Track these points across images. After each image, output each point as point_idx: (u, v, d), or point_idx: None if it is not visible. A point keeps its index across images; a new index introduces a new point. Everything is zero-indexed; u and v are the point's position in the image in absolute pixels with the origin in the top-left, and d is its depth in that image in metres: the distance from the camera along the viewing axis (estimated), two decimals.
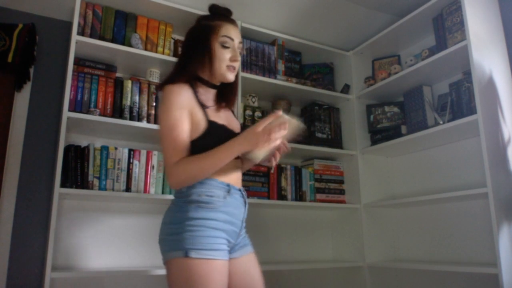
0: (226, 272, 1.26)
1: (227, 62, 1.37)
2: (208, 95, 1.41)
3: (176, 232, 1.26)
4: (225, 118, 1.41)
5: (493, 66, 1.97)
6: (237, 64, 1.40)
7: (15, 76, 2.11)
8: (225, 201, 1.31)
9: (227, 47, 1.38)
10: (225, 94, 1.46)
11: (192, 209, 1.27)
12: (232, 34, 1.39)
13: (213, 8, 1.47)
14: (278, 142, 1.24)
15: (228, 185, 1.33)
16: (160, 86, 1.37)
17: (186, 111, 1.30)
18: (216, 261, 1.23)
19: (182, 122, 1.28)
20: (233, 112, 1.54)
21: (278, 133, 1.20)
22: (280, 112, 1.22)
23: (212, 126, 1.31)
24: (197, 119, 1.31)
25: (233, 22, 1.44)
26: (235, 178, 1.38)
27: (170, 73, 1.40)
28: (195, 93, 1.35)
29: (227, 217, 1.30)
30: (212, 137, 1.29)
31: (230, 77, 1.40)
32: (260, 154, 1.24)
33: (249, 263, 1.40)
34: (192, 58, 1.39)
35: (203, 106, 1.33)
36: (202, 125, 1.30)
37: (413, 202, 2.24)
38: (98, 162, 1.99)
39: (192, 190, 1.29)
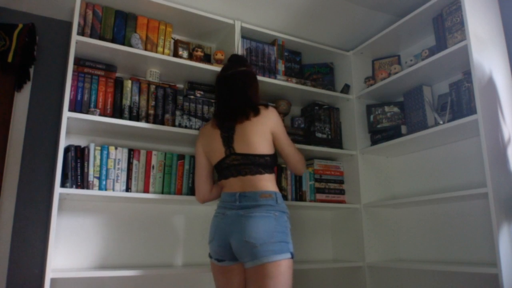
0: None
1: None
2: None
3: (288, 237, 1.63)
4: None
5: (493, 66, 1.97)
6: None
7: (15, 76, 2.11)
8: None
9: None
10: None
11: (288, 220, 1.69)
12: None
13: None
14: None
15: None
16: (266, 106, 1.83)
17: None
18: None
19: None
20: None
21: None
22: None
23: None
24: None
25: None
26: None
27: (258, 98, 1.90)
28: None
29: None
30: None
31: None
32: None
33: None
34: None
35: None
36: None
37: (413, 202, 2.24)
38: (98, 162, 1.99)
39: (283, 205, 1.69)
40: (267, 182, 1.67)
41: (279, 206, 1.65)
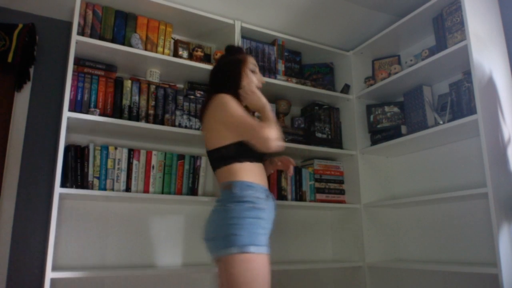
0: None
1: (257, 84, 1.75)
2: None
3: (236, 229, 1.42)
4: None
5: (493, 66, 1.97)
6: (261, 84, 1.78)
7: (15, 76, 2.11)
8: (267, 204, 1.55)
9: (254, 72, 1.76)
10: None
11: (247, 210, 1.47)
12: (255, 63, 1.79)
13: (232, 48, 1.86)
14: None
15: (265, 189, 1.58)
16: (211, 93, 1.67)
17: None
18: (266, 256, 1.45)
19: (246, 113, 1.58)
20: None
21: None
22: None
23: None
24: None
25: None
26: (266, 181, 1.63)
27: (216, 85, 1.72)
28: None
29: (269, 217, 1.56)
30: None
31: (259, 94, 1.73)
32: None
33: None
34: (231, 81, 1.71)
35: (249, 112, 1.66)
36: None
37: (413, 202, 2.24)
38: (98, 162, 1.99)
39: (244, 193, 1.50)
40: (225, 173, 1.56)
41: (235, 196, 1.48)
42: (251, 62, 1.76)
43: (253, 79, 1.72)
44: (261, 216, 1.49)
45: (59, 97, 2.20)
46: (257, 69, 1.77)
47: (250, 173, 1.54)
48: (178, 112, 2.20)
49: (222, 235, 1.43)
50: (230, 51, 1.82)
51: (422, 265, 2.15)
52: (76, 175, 1.94)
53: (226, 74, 1.73)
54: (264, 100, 1.66)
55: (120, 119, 2.01)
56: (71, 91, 1.93)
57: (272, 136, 1.48)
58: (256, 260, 1.40)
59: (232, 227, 1.42)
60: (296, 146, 2.42)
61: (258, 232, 1.45)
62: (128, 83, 2.11)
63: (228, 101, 1.57)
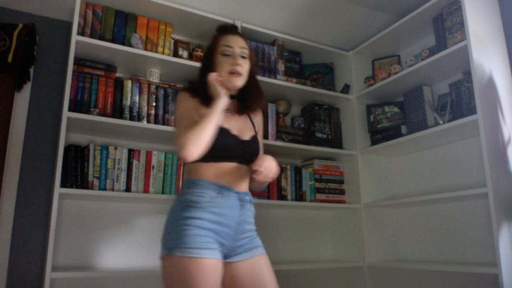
0: (215, 271, 1.28)
1: (228, 68, 1.46)
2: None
3: (169, 231, 1.35)
4: (236, 124, 1.49)
5: (493, 66, 1.97)
6: (240, 69, 1.47)
7: (15, 76, 2.11)
8: (214, 202, 1.35)
9: (227, 55, 1.48)
10: (245, 102, 1.55)
11: (183, 209, 1.34)
12: (230, 42, 1.50)
13: (218, 27, 1.61)
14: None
15: (220, 186, 1.38)
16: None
17: (193, 111, 1.43)
18: (201, 260, 1.25)
19: (188, 114, 1.42)
20: (251, 119, 1.59)
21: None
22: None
23: (221, 130, 1.40)
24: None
25: (233, 32, 1.55)
26: (233, 180, 1.41)
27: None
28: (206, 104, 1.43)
29: (215, 217, 1.34)
30: (218, 140, 1.37)
31: (235, 83, 1.48)
32: None
33: (256, 266, 1.40)
34: (201, 73, 1.55)
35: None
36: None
37: (413, 202, 2.24)
38: (98, 162, 1.99)
39: (186, 190, 1.39)
40: (186, 174, 1.54)
41: (178, 195, 1.42)
42: (223, 44, 1.49)
43: (222, 65, 1.47)
44: (199, 216, 1.31)
45: (59, 97, 2.20)
46: (232, 50, 1.48)
47: (203, 171, 1.39)
48: None
49: (162, 236, 1.37)
50: (216, 31, 1.61)
51: (422, 265, 2.15)
52: (76, 175, 1.94)
53: (202, 65, 1.57)
54: (217, 93, 1.40)
55: (120, 119, 2.01)
56: (71, 91, 1.93)
57: (180, 145, 1.28)
58: (179, 263, 1.25)
59: (165, 228, 1.37)
60: (296, 146, 2.42)
61: (190, 234, 1.28)
62: (128, 83, 2.11)
63: (177, 102, 1.49)
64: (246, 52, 1.51)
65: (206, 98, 1.44)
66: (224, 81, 1.46)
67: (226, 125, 1.44)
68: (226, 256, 1.38)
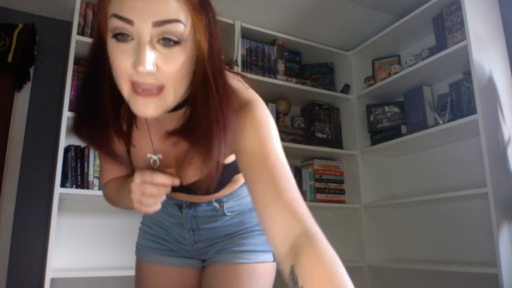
0: (156, 276, 1.14)
1: (125, 77, 0.65)
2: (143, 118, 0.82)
3: None
4: (173, 152, 0.82)
5: (493, 66, 1.97)
6: (150, 79, 0.64)
7: (15, 76, 2.11)
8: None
9: (122, 40, 0.64)
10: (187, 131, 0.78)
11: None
12: (130, 10, 0.62)
13: None
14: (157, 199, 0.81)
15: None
16: None
17: None
18: (141, 262, 1.21)
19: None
20: None
21: (149, 193, 0.79)
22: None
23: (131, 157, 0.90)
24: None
25: None
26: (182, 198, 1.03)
27: None
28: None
29: (154, 221, 1.15)
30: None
31: (139, 112, 0.66)
32: None
33: (213, 275, 1.02)
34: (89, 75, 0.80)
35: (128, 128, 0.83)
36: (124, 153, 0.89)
37: (413, 202, 2.24)
38: (98, 162, 1.99)
39: None
40: None
41: None
42: (113, 12, 0.63)
43: (116, 67, 0.65)
44: (144, 222, 1.26)
45: (59, 97, 2.20)
46: (133, 29, 0.62)
47: None
48: None
49: None
50: None
51: (422, 265, 2.15)
52: (76, 175, 1.94)
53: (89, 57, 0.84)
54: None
55: None
56: (71, 91, 1.93)
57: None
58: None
59: None
60: (296, 146, 2.41)
61: (139, 237, 1.25)
62: None
63: None
64: (174, 29, 0.63)
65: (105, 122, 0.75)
66: (126, 100, 0.68)
67: (142, 150, 0.86)
68: (195, 258, 1.11)
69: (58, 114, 2.11)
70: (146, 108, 0.65)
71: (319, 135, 2.56)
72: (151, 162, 0.85)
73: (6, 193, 2.01)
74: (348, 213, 2.60)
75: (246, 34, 2.43)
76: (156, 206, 0.80)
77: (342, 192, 2.62)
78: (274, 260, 1.01)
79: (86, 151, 1.99)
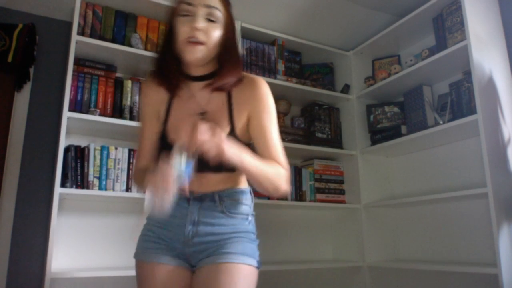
0: (160, 276, 1.16)
1: (185, 35, 1.07)
2: (193, 89, 1.17)
3: None
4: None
5: (493, 66, 1.97)
6: (200, 34, 1.06)
7: (15, 76, 2.11)
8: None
9: (186, 15, 1.08)
10: (213, 80, 1.16)
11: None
12: (193, 1, 1.09)
13: None
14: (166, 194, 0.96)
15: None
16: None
17: (149, 113, 1.21)
18: (142, 262, 1.24)
19: (143, 130, 1.22)
20: (230, 102, 1.18)
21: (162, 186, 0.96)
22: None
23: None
24: (161, 115, 1.19)
25: None
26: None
27: None
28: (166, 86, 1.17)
29: (158, 220, 1.20)
30: (162, 142, 1.16)
31: (193, 55, 1.08)
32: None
33: (207, 275, 1.09)
34: (161, 49, 1.22)
35: (171, 99, 1.18)
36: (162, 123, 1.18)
37: (413, 202, 2.24)
38: (98, 162, 1.99)
39: None
40: None
41: None
42: (182, 1, 1.11)
43: (179, 30, 1.09)
44: (147, 221, 1.29)
45: (59, 97, 2.20)
46: (193, 9, 1.08)
47: None
48: None
49: None
50: None
51: (422, 265, 2.15)
52: (76, 175, 1.94)
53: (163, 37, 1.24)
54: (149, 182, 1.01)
55: (120, 119, 2.01)
56: (71, 91, 1.93)
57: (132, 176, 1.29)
58: (136, 266, 1.27)
59: None
60: (296, 146, 2.41)
61: (140, 237, 1.29)
62: (128, 83, 2.11)
63: (140, 95, 1.32)
64: (215, 13, 1.09)
65: (172, 79, 1.16)
66: (180, 52, 1.10)
67: (184, 115, 1.14)
68: (187, 262, 1.18)
69: (58, 114, 2.11)
70: (194, 53, 1.08)
71: (319, 135, 2.56)
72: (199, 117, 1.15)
73: (6, 193, 2.01)
74: (348, 213, 2.60)
75: (246, 34, 2.43)
76: (167, 199, 0.96)
77: (342, 192, 2.62)
78: (259, 267, 1.14)
79: (86, 151, 1.99)
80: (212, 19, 1.09)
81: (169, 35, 1.15)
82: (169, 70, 1.15)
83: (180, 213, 1.15)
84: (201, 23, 1.07)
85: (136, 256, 1.26)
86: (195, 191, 1.14)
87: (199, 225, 1.14)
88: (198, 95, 1.17)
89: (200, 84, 1.16)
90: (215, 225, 1.14)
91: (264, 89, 1.20)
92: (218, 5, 1.11)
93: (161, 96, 1.19)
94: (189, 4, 1.09)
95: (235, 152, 1.02)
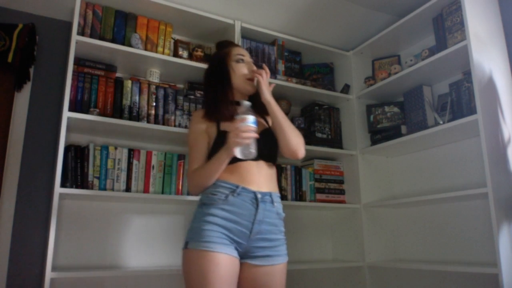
0: (227, 266, 1.35)
1: (246, 74, 1.61)
2: (234, 111, 1.56)
3: (189, 227, 1.48)
4: None
5: (493, 66, 1.97)
6: (257, 76, 1.59)
7: (15, 76, 2.11)
8: (227, 200, 1.43)
9: (241, 61, 1.62)
10: (256, 105, 1.62)
11: (198, 207, 1.49)
12: (242, 52, 1.65)
13: (220, 43, 1.76)
14: (249, 137, 1.37)
15: (236, 186, 1.45)
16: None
17: (201, 131, 1.56)
18: (210, 253, 1.34)
19: (197, 142, 1.55)
20: (264, 117, 1.68)
21: (245, 130, 1.36)
22: (243, 114, 1.42)
23: (220, 135, 1.50)
24: (210, 132, 1.54)
25: (238, 45, 1.75)
26: (250, 180, 1.47)
27: (207, 85, 1.71)
28: (212, 112, 1.56)
29: (228, 214, 1.41)
30: (219, 144, 1.45)
31: (252, 87, 1.61)
32: (238, 153, 1.40)
33: (269, 275, 1.44)
34: (212, 84, 1.63)
35: (218, 121, 1.54)
36: (214, 136, 1.53)
37: (413, 202, 2.24)
38: (98, 162, 1.99)
39: (205, 191, 1.50)
40: None
41: (201, 195, 1.55)
42: (236, 53, 1.64)
43: (241, 71, 1.60)
44: (210, 212, 1.42)
45: (59, 97, 2.20)
46: (244, 57, 1.64)
47: (222, 173, 1.47)
48: (178, 112, 2.20)
49: None
50: (218, 47, 1.77)
51: (422, 265, 2.15)
52: (76, 175, 1.94)
53: (212, 73, 1.65)
54: (227, 147, 1.41)
55: (120, 119, 2.01)
56: (71, 91, 1.93)
57: (188, 183, 1.54)
58: (192, 256, 1.37)
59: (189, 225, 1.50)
60: None
61: (203, 228, 1.39)
62: (128, 83, 2.11)
63: (190, 122, 1.68)
64: (252, 62, 1.67)
65: (218, 115, 1.55)
66: (241, 86, 1.60)
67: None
68: (243, 255, 1.43)
69: (58, 114, 2.11)
70: (253, 87, 1.61)
71: (319, 135, 2.56)
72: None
73: (6, 193, 2.01)
74: (348, 213, 2.60)
75: (246, 34, 2.43)
76: (250, 139, 1.37)
77: (342, 192, 2.62)
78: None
79: (86, 151, 1.99)
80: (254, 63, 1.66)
81: (222, 75, 1.60)
82: (226, 101, 1.57)
83: (249, 211, 1.42)
84: (254, 67, 1.62)
85: (198, 246, 1.37)
86: (253, 187, 1.46)
87: (262, 224, 1.44)
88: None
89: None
90: (272, 225, 1.47)
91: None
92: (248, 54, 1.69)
93: (211, 121, 1.56)
94: (242, 55, 1.63)
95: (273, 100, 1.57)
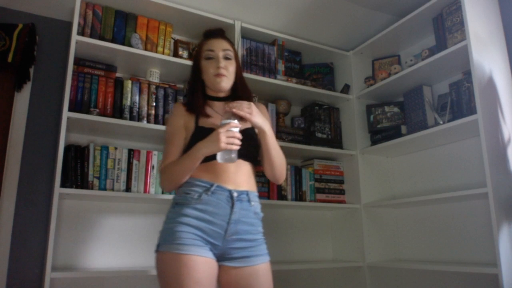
0: (203, 268, 1.28)
1: (213, 72, 1.51)
2: (215, 107, 1.55)
3: (161, 229, 1.42)
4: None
5: (493, 66, 1.97)
6: (223, 71, 1.50)
7: (15, 76, 2.11)
8: (200, 199, 1.36)
9: (210, 58, 1.52)
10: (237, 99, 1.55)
11: (171, 207, 1.43)
12: (213, 46, 1.53)
13: (203, 33, 1.64)
14: (236, 144, 1.30)
15: (211, 184, 1.38)
16: None
17: (179, 126, 1.50)
18: (184, 255, 1.27)
19: (174, 137, 1.49)
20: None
21: (231, 135, 1.30)
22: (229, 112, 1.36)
23: (198, 130, 1.45)
24: (189, 127, 1.49)
25: (216, 36, 1.58)
26: (225, 178, 1.40)
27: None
28: (193, 107, 1.52)
29: (201, 214, 1.34)
30: (196, 139, 1.39)
31: (221, 84, 1.51)
32: (219, 156, 1.33)
33: (252, 276, 1.35)
34: (190, 79, 1.62)
35: (197, 116, 1.50)
36: (192, 130, 1.47)
37: (413, 202, 2.24)
38: (98, 162, 1.99)
39: (178, 189, 1.45)
40: None
41: (174, 194, 1.50)
42: (205, 49, 1.54)
43: (208, 69, 1.51)
44: (183, 212, 1.35)
45: (59, 97, 2.20)
46: (214, 53, 1.51)
47: (196, 171, 1.41)
48: None
49: None
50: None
51: (422, 265, 2.15)
52: (76, 175, 1.94)
53: (191, 69, 1.62)
54: (208, 145, 1.34)
55: (120, 119, 2.01)
56: (71, 91, 1.93)
57: (160, 178, 1.47)
58: (165, 259, 1.30)
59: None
60: (296, 146, 2.41)
61: (175, 230, 1.32)
62: (128, 83, 2.11)
63: (169, 115, 1.69)
64: (230, 53, 1.53)
65: (196, 106, 1.52)
66: (212, 85, 1.53)
67: (209, 126, 1.44)
68: (220, 257, 1.36)
69: (58, 114, 2.11)
70: (222, 83, 1.51)
71: (319, 135, 2.56)
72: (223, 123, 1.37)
73: (6, 193, 2.01)
74: (348, 213, 2.60)
75: (246, 34, 2.43)
76: (236, 146, 1.30)
77: (342, 192, 2.62)
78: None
79: (86, 151, 1.99)
80: (228, 57, 1.53)
81: (196, 72, 1.57)
82: (197, 95, 1.54)
83: (224, 210, 1.36)
84: (222, 62, 1.51)
85: (170, 249, 1.30)
86: (229, 186, 1.39)
87: (239, 224, 1.37)
88: (220, 111, 1.52)
89: (221, 103, 1.55)
90: (250, 225, 1.40)
91: (265, 109, 1.64)
92: (230, 47, 1.55)
93: (190, 115, 1.51)
94: (212, 50, 1.52)
95: (263, 120, 1.43)
